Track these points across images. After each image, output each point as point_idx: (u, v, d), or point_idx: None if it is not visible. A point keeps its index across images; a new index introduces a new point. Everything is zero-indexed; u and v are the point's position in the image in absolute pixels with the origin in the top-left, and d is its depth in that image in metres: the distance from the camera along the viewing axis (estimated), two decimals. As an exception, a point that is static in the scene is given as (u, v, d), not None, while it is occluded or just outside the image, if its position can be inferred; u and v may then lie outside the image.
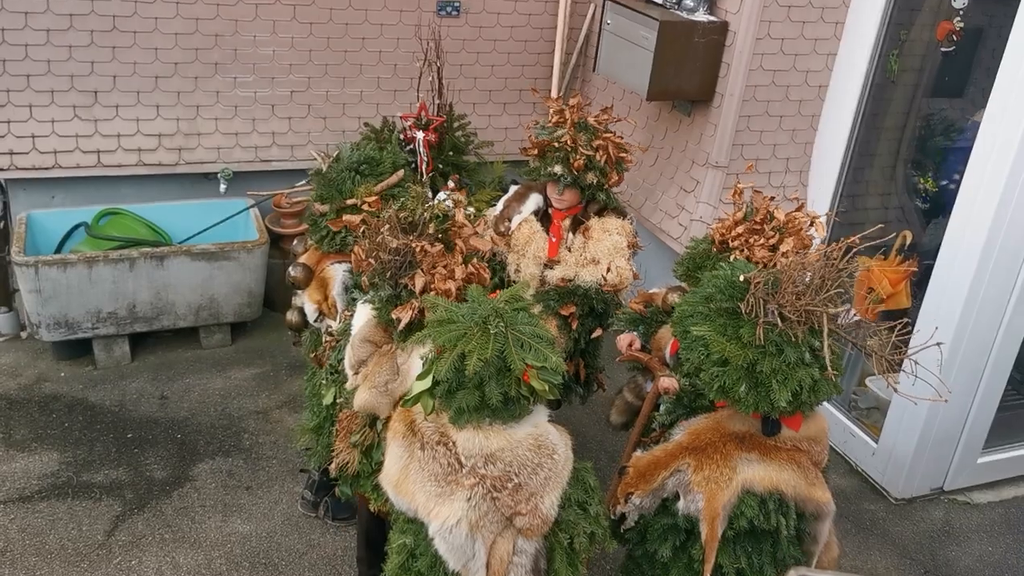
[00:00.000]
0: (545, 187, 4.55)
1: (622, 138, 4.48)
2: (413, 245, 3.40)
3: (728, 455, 3.30)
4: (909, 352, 3.10)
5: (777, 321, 3.05)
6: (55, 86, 5.88)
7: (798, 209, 3.82)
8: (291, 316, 4.54)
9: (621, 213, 4.63)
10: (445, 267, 3.39)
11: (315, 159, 4.33)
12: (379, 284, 3.47)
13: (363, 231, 3.61)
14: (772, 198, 3.92)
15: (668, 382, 3.75)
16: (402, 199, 3.64)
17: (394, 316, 3.39)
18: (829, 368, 3.09)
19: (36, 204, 6.11)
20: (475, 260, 3.51)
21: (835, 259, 3.08)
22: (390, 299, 3.45)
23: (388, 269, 3.41)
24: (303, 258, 4.44)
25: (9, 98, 5.80)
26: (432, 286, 3.35)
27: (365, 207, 3.93)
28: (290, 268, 4.38)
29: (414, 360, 3.36)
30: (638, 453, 3.56)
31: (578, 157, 4.30)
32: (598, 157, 4.35)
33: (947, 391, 3.74)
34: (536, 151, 4.41)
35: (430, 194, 4.62)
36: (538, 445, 2.97)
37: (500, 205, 4.68)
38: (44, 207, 6.13)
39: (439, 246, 3.44)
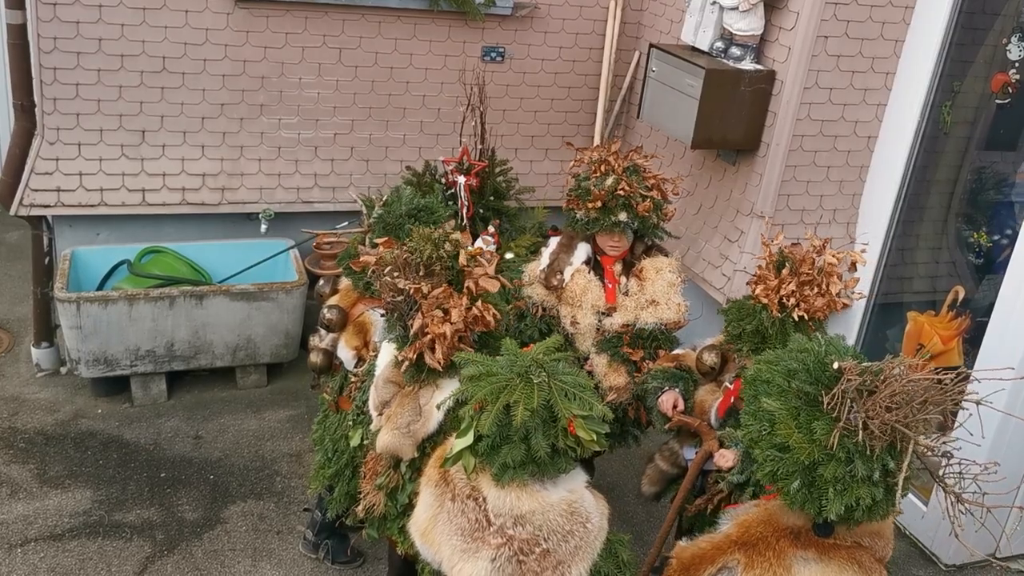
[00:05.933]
0: (591, 236, 4.50)
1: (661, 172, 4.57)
2: (410, 287, 3.30)
3: (782, 553, 2.97)
4: (986, 503, 2.87)
5: (860, 430, 2.71)
6: (104, 125, 5.96)
7: (822, 246, 3.79)
8: (315, 358, 4.38)
9: (663, 251, 4.64)
10: (442, 308, 3.28)
11: (356, 202, 4.29)
12: (393, 324, 3.42)
13: (372, 272, 3.53)
14: (797, 243, 3.89)
15: (730, 456, 3.51)
16: (408, 241, 3.52)
17: (400, 357, 3.34)
18: (899, 504, 2.80)
19: (81, 240, 6.17)
20: (481, 302, 3.34)
21: (949, 384, 2.75)
22: (403, 339, 3.39)
23: (398, 310, 3.35)
24: (336, 299, 4.33)
25: (59, 136, 5.88)
26: (427, 329, 3.25)
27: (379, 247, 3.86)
28: (324, 310, 4.27)
29: (438, 400, 3.29)
30: (682, 543, 3.21)
31: (642, 202, 4.32)
32: (655, 195, 4.40)
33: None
34: (598, 203, 4.33)
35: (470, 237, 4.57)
36: (571, 511, 2.86)
37: (546, 259, 4.60)
38: (88, 244, 6.18)
39: (442, 287, 3.31)
